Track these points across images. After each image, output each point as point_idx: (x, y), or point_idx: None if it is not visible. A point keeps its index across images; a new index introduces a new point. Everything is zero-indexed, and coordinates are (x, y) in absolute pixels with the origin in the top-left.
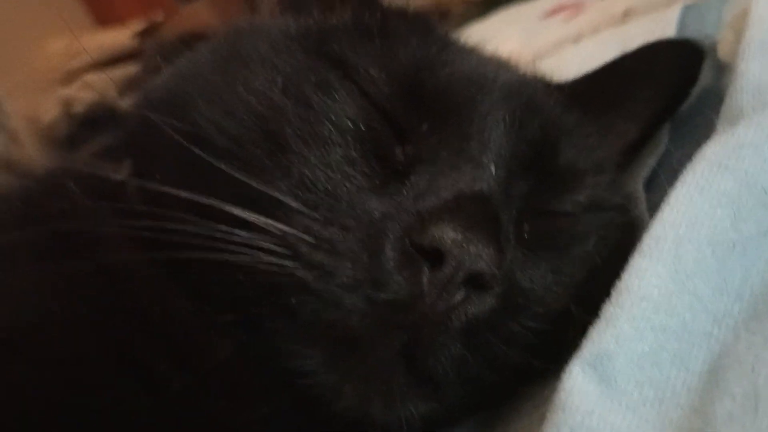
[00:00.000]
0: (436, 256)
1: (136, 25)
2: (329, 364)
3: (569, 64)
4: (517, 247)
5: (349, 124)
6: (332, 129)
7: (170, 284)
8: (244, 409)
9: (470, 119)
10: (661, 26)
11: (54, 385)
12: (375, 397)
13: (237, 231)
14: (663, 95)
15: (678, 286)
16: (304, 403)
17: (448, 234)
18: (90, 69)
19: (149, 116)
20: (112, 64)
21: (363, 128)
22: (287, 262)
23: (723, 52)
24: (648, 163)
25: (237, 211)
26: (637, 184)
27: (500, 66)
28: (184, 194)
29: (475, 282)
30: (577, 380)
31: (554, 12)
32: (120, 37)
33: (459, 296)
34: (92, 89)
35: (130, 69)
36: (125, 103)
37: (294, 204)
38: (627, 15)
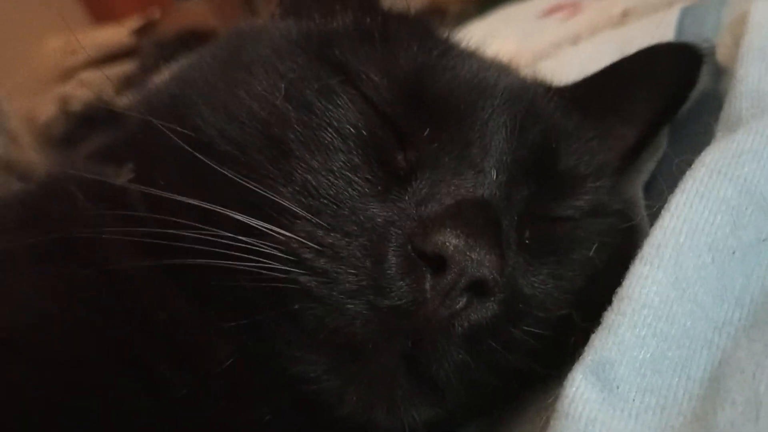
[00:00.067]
0: (438, 262)
1: (133, 23)
2: (332, 369)
3: (568, 66)
4: (519, 253)
5: (351, 129)
6: (334, 135)
7: (172, 286)
8: (245, 412)
9: (471, 124)
10: (660, 28)
11: (54, 385)
12: (378, 402)
13: (240, 237)
14: (662, 98)
15: (679, 294)
16: (306, 408)
17: (450, 240)
18: (87, 66)
19: (152, 120)
20: (109, 61)
21: (365, 134)
22: (291, 268)
23: (721, 55)
24: (647, 168)
25: (240, 217)
26: (636, 189)
27: (501, 70)
28: (187, 200)
29: (478, 288)
30: (580, 387)
31: (552, 11)
32: (117, 34)
33: (461, 303)
34: (89, 87)
35: (126, 66)
36: (122, 101)
37: (297, 210)
38: (625, 16)
